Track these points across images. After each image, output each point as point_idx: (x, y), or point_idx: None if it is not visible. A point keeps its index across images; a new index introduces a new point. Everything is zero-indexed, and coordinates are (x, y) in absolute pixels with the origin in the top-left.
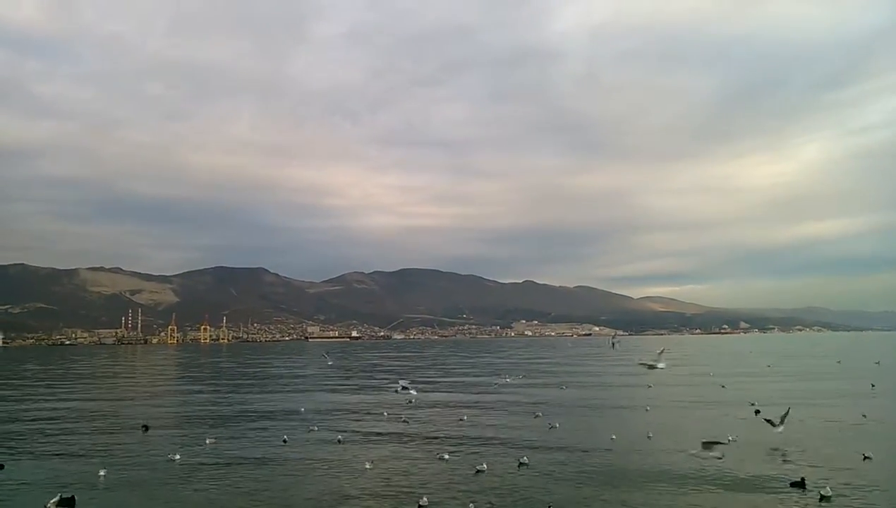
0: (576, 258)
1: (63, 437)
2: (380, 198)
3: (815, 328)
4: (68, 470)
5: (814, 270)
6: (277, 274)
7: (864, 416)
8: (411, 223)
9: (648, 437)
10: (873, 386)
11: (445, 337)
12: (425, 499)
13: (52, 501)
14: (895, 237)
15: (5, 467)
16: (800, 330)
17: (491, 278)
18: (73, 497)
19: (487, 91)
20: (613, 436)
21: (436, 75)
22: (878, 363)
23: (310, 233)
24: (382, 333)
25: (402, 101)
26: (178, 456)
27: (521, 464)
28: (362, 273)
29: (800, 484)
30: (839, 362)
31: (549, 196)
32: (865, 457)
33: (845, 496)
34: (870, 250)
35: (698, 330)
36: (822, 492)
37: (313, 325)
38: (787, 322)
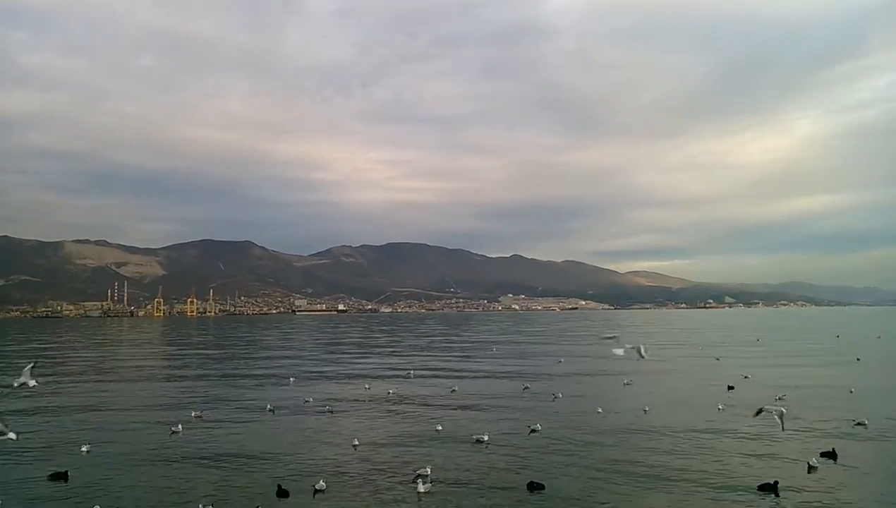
0: (564, 233)
1: (46, 412)
2: (369, 173)
3: (799, 303)
4: (52, 445)
5: (800, 246)
6: (265, 248)
7: (851, 391)
8: (399, 197)
9: (644, 411)
10: (858, 359)
11: (433, 310)
12: (428, 469)
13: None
14: (882, 214)
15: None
16: (784, 304)
17: (479, 252)
18: (66, 471)
19: (480, 67)
20: (599, 409)
21: (428, 51)
22: (879, 337)
23: (298, 206)
24: (370, 307)
25: (394, 77)
26: (175, 429)
27: (532, 431)
28: (350, 246)
29: (831, 455)
30: (838, 336)
31: (539, 172)
32: (858, 423)
33: (833, 466)
34: (856, 226)
35: (683, 305)
36: (809, 462)
37: (301, 299)
38: (772, 297)
